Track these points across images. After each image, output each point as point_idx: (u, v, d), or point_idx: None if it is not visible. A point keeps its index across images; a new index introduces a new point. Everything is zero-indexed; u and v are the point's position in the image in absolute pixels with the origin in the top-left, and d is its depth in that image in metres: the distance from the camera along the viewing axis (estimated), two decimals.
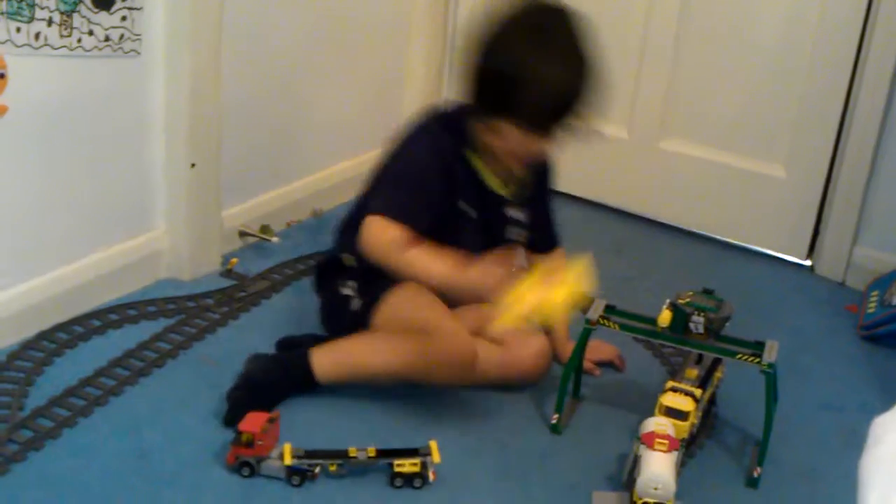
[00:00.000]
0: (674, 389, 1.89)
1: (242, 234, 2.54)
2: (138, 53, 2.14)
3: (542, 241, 2.21)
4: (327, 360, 1.99)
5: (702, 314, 1.88)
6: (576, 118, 1.95)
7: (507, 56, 1.90)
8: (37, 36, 1.93)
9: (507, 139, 1.95)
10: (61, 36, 1.98)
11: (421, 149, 2.02)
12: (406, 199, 1.97)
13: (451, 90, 3.09)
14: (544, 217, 2.21)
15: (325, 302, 2.15)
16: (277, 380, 1.97)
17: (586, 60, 1.93)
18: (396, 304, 2.02)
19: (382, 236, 1.94)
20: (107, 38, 2.06)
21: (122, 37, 2.09)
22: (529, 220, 2.15)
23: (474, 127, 1.98)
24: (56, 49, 1.98)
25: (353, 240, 1.98)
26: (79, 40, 2.01)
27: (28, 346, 2.05)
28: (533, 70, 1.88)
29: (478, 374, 2.01)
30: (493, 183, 2.07)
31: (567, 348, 2.14)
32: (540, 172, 2.15)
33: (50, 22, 1.94)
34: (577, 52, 1.92)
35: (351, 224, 2.04)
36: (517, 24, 1.92)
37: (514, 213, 2.12)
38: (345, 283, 2.09)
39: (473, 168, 2.04)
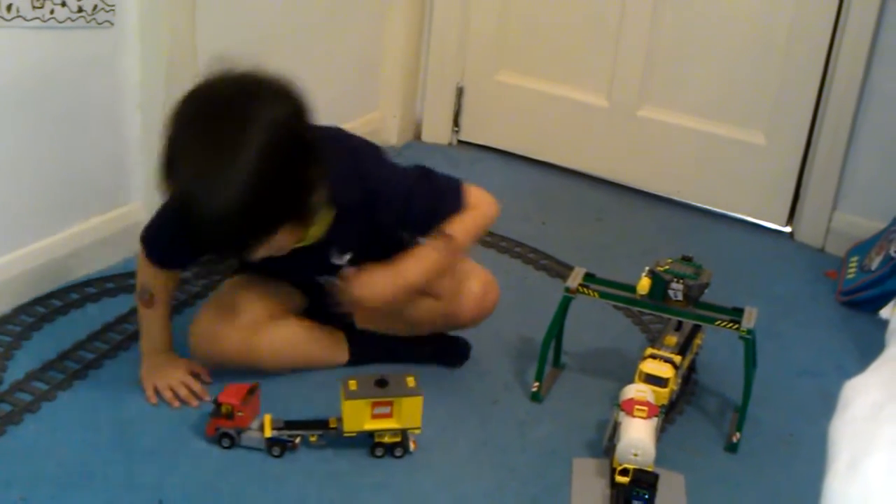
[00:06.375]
0: (653, 356, 1.90)
1: None
2: (112, 24, 2.12)
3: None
4: None
5: (681, 281, 1.89)
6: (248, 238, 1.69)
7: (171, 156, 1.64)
8: (8, 7, 1.91)
9: None
10: (34, 7, 1.95)
11: None
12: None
13: (429, 65, 3.08)
14: (411, 231, 1.90)
15: None
16: None
17: (253, 174, 1.59)
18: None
19: None
20: (80, 9, 2.04)
21: (95, 7, 2.07)
22: (361, 256, 1.90)
23: None
24: (28, 21, 1.95)
25: None
26: (51, 11, 1.99)
27: (5, 320, 2.04)
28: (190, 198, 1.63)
29: (423, 325, 2.03)
30: None
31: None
32: (359, 211, 1.84)
33: None
34: (243, 166, 1.59)
35: None
36: (188, 113, 1.65)
37: (336, 260, 1.90)
38: None
39: None
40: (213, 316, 1.95)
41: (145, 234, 1.94)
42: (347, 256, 1.90)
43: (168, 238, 1.88)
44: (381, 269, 1.85)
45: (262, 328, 1.95)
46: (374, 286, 1.85)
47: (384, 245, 1.89)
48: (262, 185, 1.61)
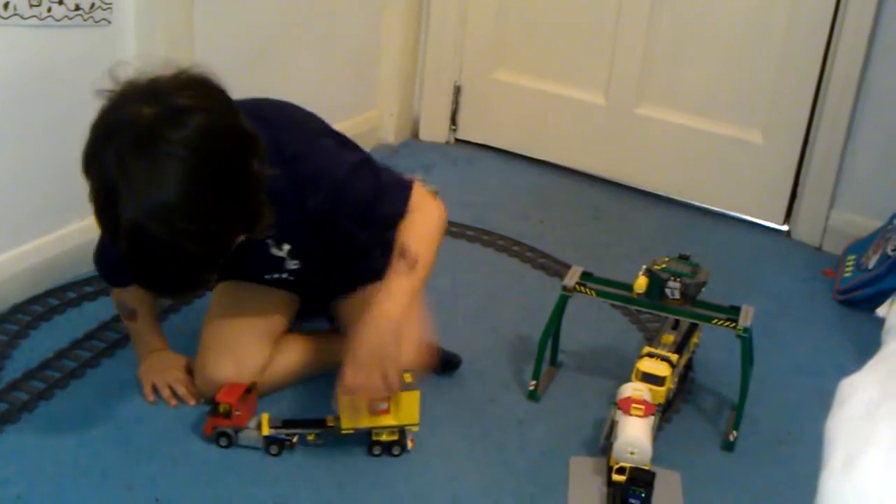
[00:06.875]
0: (650, 355, 1.90)
1: None
2: (109, 23, 2.12)
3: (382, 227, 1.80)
4: None
5: (677, 280, 1.89)
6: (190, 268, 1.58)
7: (105, 170, 1.52)
8: (6, 6, 1.91)
9: None
10: (31, 5, 1.95)
11: None
12: None
13: (426, 63, 3.08)
14: (358, 223, 1.84)
15: None
16: None
17: (189, 194, 1.49)
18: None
19: None
20: (77, 7, 2.04)
21: (92, 6, 2.07)
22: (309, 248, 1.85)
23: None
24: (26, 19, 1.95)
25: None
26: (49, 10, 1.99)
27: (2, 319, 2.04)
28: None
29: None
30: None
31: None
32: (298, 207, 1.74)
33: None
34: (177, 183, 1.48)
35: None
36: (110, 151, 1.52)
37: (275, 251, 1.84)
38: None
39: None
40: (218, 362, 1.87)
41: (97, 259, 1.89)
42: (287, 247, 1.84)
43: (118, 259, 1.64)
44: (365, 333, 1.70)
45: (271, 365, 1.92)
46: (380, 350, 1.69)
47: (324, 237, 1.82)
48: (209, 196, 1.51)
